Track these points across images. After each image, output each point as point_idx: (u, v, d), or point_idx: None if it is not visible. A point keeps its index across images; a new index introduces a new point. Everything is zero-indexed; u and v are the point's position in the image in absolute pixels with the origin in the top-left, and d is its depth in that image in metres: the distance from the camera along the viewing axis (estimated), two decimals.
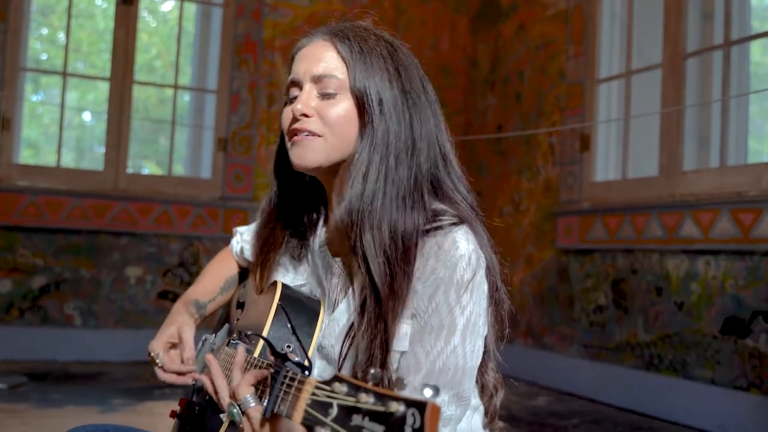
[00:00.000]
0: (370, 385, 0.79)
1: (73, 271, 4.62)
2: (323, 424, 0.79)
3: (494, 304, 1.26)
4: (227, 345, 1.33)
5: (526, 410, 3.85)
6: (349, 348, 1.22)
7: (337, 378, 0.82)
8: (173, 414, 1.43)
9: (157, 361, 1.41)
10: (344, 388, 0.80)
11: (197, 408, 1.37)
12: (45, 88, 7.52)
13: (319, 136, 1.23)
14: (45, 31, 7.32)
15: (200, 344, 1.51)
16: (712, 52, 3.96)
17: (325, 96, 1.24)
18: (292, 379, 0.93)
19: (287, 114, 1.27)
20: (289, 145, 1.27)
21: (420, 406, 0.72)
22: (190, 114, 5.62)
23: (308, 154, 1.24)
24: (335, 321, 1.28)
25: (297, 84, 1.27)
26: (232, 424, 1.12)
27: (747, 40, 3.83)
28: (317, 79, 1.24)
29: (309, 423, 0.82)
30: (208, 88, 5.23)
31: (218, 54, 5.07)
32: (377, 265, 1.16)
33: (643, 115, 4.15)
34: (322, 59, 1.25)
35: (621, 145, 4.34)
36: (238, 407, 1.09)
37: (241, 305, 1.51)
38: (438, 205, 1.25)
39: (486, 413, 1.35)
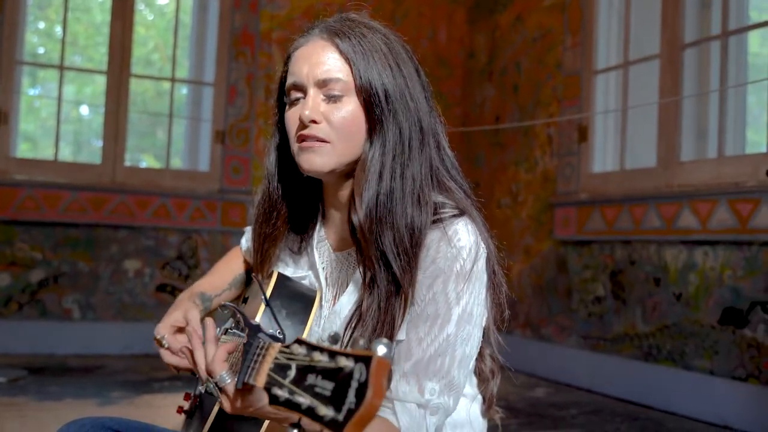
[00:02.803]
0: (326, 345, 0.80)
1: (72, 264, 4.62)
2: (281, 386, 0.81)
3: (492, 289, 1.27)
4: (225, 333, 1.33)
5: (524, 401, 3.85)
6: (350, 338, 1.22)
7: (297, 341, 0.83)
8: (180, 410, 1.43)
9: (163, 342, 1.37)
10: (302, 350, 0.81)
11: (199, 399, 1.39)
12: (42, 81, 7.49)
13: (328, 142, 1.22)
14: (42, 24, 7.30)
15: None
16: (709, 43, 3.96)
17: (330, 99, 1.22)
18: (262, 348, 0.95)
19: (293, 117, 1.25)
20: (295, 148, 1.26)
21: (366, 360, 0.73)
22: (187, 107, 5.61)
23: (317, 160, 1.23)
24: (336, 314, 1.28)
25: (299, 87, 1.25)
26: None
27: (745, 30, 3.82)
28: (322, 83, 1.22)
29: (269, 386, 0.84)
30: (205, 81, 5.22)
31: (215, 46, 5.06)
32: (399, 264, 1.17)
33: (641, 105, 4.15)
34: (325, 61, 1.23)
35: (619, 136, 4.34)
36: (215, 383, 1.09)
37: (245, 300, 1.52)
38: (437, 197, 1.26)
39: (483, 400, 1.36)
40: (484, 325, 1.25)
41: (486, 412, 1.37)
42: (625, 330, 4.02)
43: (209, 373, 1.10)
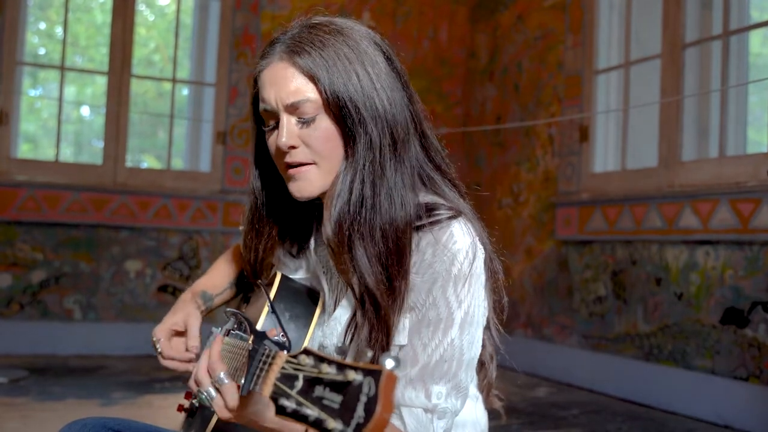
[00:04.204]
0: (333, 356, 0.79)
1: (73, 265, 4.62)
2: (288, 397, 0.80)
3: (490, 277, 1.26)
4: (227, 335, 1.33)
5: (526, 401, 3.85)
6: (350, 345, 1.21)
7: (304, 351, 0.82)
8: (180, 408, 1.43)
9: (158, 347, 1.39)
10: (310, 361, 0.81)
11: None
12: (43, 82, 7.50)
13: (312, 163, 1.21)
14: (43, 25, 7.30)
15: (208, 337, 1.51)
16: (711, 42, 3.96)
17: (304, 123, 1.20)
18: (268, 356, 0.94)
19: (273, 145, 1.24)
20: (284, 177, 1.25)
21: (376, 374, 0.73)
22: (188, 107, 5.61)
23: (307, 186, 1.23)
24: (336, 320, 1.27)
25: (272, 114, 1.23)
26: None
27: (746, 29, 3.82)
28: (291, 108, 1.20)
29: (276, 396, 0.83)
30: (206, 82, 5.23)
31: (216, 47, 5.06)
32: (373, 275, 1.15)
33: (642, 105, 4.15)
34: (289, 84, 1.20)
35: (620, 136, 4.34)
36: (206, 392, 1.09)
37: (247, 300, 1.51)
38: (426, 197, 1.24)
39: (482, 390, 1.36)
40: (484, 324, 1.25)
41: (486, 399, 1.37)
42: (627, 330, 4.02)
43: (209, 371, 1.09)
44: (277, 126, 1.23)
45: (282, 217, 1.36)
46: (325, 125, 1.20)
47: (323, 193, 1.25)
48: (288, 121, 1.21)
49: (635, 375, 3.92)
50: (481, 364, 1.35)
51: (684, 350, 3.66)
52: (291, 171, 1.22)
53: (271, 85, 1.22)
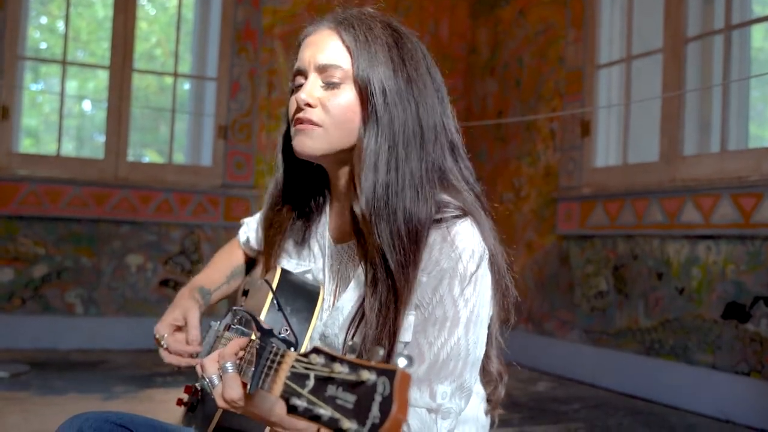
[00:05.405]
0: (345, 355, 0.79)
1: (74, 259, 4.62)
2: (300, 396, 0.80)
3: (500, 293, 1.26)
4: (228, 330, 1.33)
5: (527, 396, 3.86)
6: (353, 337, 1.22)
7: (315, 350, 0.82)
8: (180, 402, 1.43)
9: (162, 342, 1.41)
10: (321, 360, 0.80)
11: (201, 393, 1.38)
12: (45, 77, 7.50)
13: (320, 126, 1.24)
14: (44, 19, 7.30)
15: (207, 331, 1.51)
16: (713, 37, 3.95)
17: (329, 86, 1.24)
18: (276, 354, 0.94)
19: (292, 102, 1.28)
20: (291, 132, 1.28)
21: (390, 374, 0.72)
22: (190, 102, 5.61)
23: (308, 142, 1.25)
24: (339, 310, 1.28)
25: (302, 73, 1.27)
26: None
27: (748, 24, 3.81)
28: (321, 69, 1.24)
29: (287, 395, 0.82)
30: (207, 76, 5.22)
31: (218, 41, 5.06)
32: (394, 255, 1.17)
33: (644, 100, 4.14)
34: (327, 48, 1.25)
35: (621, 131, 4.33)
36: (209, 378, 1.10)
37: (245, 293, 1.52)
38: (442, 196, 1.25)
39: (490, 401, 1.35)
40: (488, 324, 1.25)
41: (491, 411, 1.37)
42: (628, 324, 4.02)
43: (219, 359, 1.09)
44: (303, 85, 1.27)
45: (296, 196, 1.39)
46: (349, 96, 1.23)
47: (326, 165, 1.30)
48: (314, 81, 1.25)
49: (636, 370, 3.92)
50: (493, 384, 1.34)
51: (685, 345, 3.66)
52: (298, 126, 1.25)
53: (310, 47, 1.28)
